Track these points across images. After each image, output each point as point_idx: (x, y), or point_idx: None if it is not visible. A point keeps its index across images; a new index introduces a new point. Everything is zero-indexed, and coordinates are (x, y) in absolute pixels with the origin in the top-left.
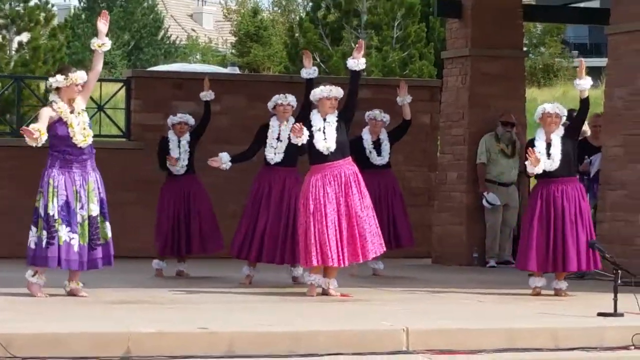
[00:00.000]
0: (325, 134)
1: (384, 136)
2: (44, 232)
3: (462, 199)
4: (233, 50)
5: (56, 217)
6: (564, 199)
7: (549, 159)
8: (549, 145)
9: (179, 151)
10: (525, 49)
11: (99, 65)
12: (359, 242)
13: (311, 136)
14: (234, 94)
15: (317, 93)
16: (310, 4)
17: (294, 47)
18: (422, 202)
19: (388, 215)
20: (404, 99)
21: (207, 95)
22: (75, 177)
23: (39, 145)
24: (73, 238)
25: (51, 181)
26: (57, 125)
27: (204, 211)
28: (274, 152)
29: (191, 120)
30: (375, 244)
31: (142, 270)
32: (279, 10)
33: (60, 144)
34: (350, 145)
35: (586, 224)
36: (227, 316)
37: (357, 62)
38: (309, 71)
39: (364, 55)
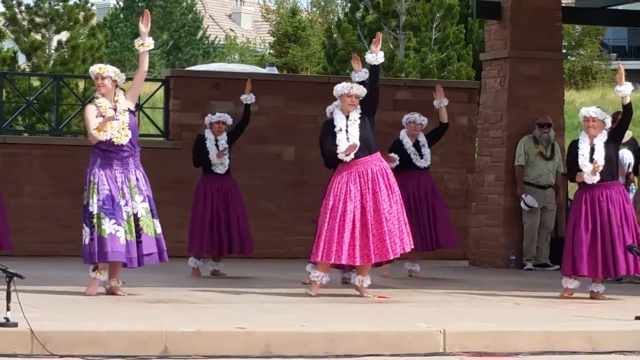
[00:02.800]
0: (349, 133)
1: (422, 139)
2: (87, 230)
3: (500, 201)
4: (271, 51)
5: (95, 212)
6: (609, 203)
7: (591, 162)
8: (592, 150)
9: (217, 150)
10: (564, 51)
11: (144, 66)
12: (387, 239)
13: (335, 135)
14: (272, 94)
15: (338, 89)
16: (349, 4)
17: (332, 47)
18: (460, 204)
19: (429, 216)
20: (441, 102)
21: (247, 98)
22: (117, 174)
23: (105, 137)
24: (118, 231)
25: (92, 178)
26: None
27: (240, 212)
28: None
29: (229, 120)
30: (404, 242)
31: (179, 270)
32: (318, 11)
33: (100, 140)
34: (390, 150)
35: (632, 228)
36: (264, 316)
37: (375, 56)
38: (360, 74)
39: (405, 55)
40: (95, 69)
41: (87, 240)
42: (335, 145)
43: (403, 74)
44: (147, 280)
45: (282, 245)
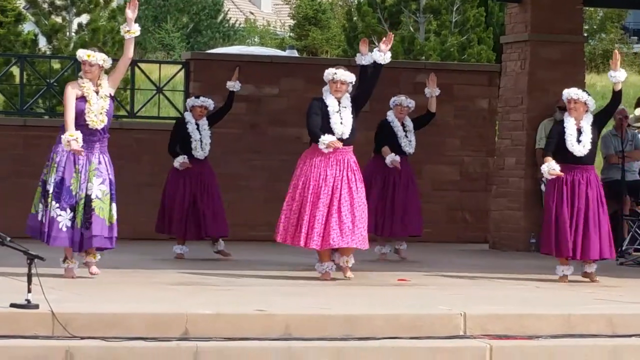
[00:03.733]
0: (342, 118)
1: (409, 123)
2: (40, 206)
3: (520, 184)
4: (291, 34)
5: (50, 192)
6: (588, 187)
7: (579, 144)
8: (579, 131)
9: (199, 134)
10: (585, 34)
11: (129, 52)
12: (357, 228)
13: (326, 115)
14: (293, 77)
15: (325, 74)
16: None
17: (352, 30)
18: (480, 187)
19: (403, 203)
20: (433, 91)
21: (234, 85)
22: (79, 157)
23: (80, 145)
24: (60, 215)
25: (54, 157)
26: (78, 101)
27: (216, 195)
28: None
29: (211, 106)
30: (364, 238)
31: (197, 251)
32: None
33: (74, 118)
34: (379, 129)
35: (606, 212)
36: (283, 299)
37: (382, 56)
38: (366, 58)
39: (425, 39)
40: (83, 55)
41: (39, 217)
42: (322, 126)
43: (423, 57)
44: (165, 263)
45: None
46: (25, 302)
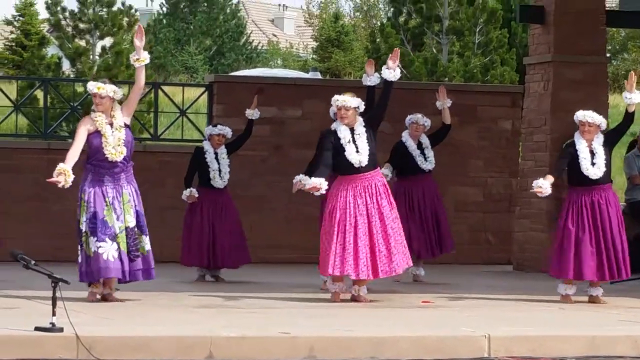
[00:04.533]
0: (358, 147)
1: (425, 140)
2: (79, 247)
3: (543, 206)
4: (314, 56)
5: (84, 230)
6: (608, 206)
7: (593, 166)
8: (592, 153)
9: (218, 163)
10: (607, 54)
11: (141, 81)
12: (393, 255)
13: (340, 147)
14: (316, 99)
15: (332, 102)
16: (392, 9)
17: (375, 52)
18: (503, 208)
19: (433, 221)
20: (444, 103)
21: (253, 113)
22: (108, 190)
23: (68, 185)
24: (101, 247)
25: (82, 196)
26: (93, 136)
27: (235, 225)
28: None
29: (229, 134)
30: (406, 257)
31: (222, 275)
32: (361, 16)
33: (94, 154)
34: (394, 152)
35: (624, 231)
36: (307, 321)
37: (392, 72)
38: (372, 79)
39: (448, 60)
40: (93, 88)
41: (79, 259)
42: (335, 160)
43: (447, 79)
44: (193, 286)
45: None
46: (50, 326)
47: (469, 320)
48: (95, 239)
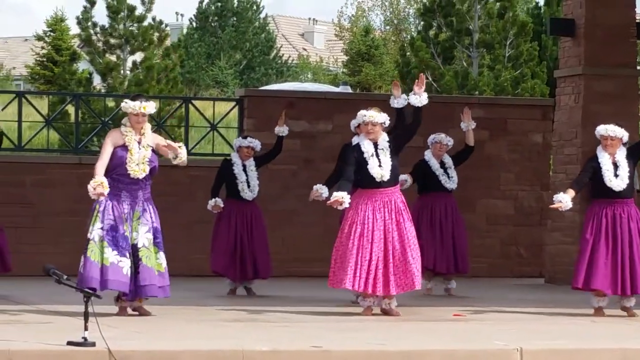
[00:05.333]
0: (380, 161)
1: (448, 160)
2: (82, 256)
3: (575, 218)
4: (344, 69)
5: (92, 239)
6: (630, 221)
7: (616, 178)
8: (615, 166)
9: (246, 175)
10: (638, 67)
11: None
12: (411, 270)
13: (363, 161)
14: (346, 112)
15: (357, 117)
16: (422, 22)
17: (405, 65)
18: (534, 221)
19: (452, 240)
20: (469, 124)
21: (282, 130)
22: (124, 206)
23: (106, 192)
24: (121, 261)
25: (97, 207)
26: (119, 150)
27: (261, 238)
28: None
29: (258, 147)
30: (419, 276)
31: (254, 289)
32: (391, 29)
33: (115, 167)
34: (416, 169)
35: None
36: (340, 335)
37: (418, 98)
38: (400, 101)
39: (478, 73)
40: (139, 108)
41: (81, 268)
42: (356, 174)
43: (477, 92)
44: (226, 300)
45: None
46: (82, 340)
47: (501, 334)
48: (116, 252)
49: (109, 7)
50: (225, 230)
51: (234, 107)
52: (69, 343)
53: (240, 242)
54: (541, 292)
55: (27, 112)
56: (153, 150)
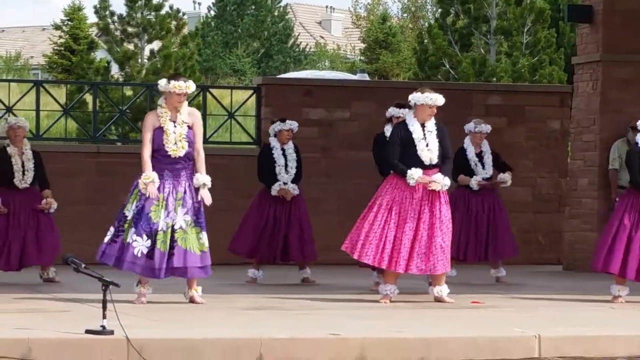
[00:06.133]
0: (429, 144)
1: (485, 148)
2: (113, 230)
3: (594, 206)
4: (362, 57)
5: (129, 218)
6: None
7: None
8: None
9: (285, 159)
10: None
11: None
12: (433, 255)
13: (411, 141)
14: (364, 100)
15: (418, 98)
16: (439, 10)
17: (423, 53)
18: (553, 208)
19: (488, 229)
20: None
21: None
22: (165, 185)
23: (156, 186)
24: (136, 241)
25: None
26: (156, 131)
27: (304, 218)
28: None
29: (296, 128)
30: (447, 261)
31: (269, 276)
32: (408, 17)
33: (155, 150)
34: (455, 157)
35: None
36: (357, 322)
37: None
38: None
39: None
40: (184, 87)
41: (107, 239)
42: (408, 154)
43: (495, 79)
44: (238, 288)
45: None
46: (101, 329)
47: (520, 321)
48: (134, 230)
49: None
50: (256, 214)
51: (251, 95)
52: (87, 331)
53: (272, 225)
54: (560, 279)
55: (45, 101)
56: (189, 127)
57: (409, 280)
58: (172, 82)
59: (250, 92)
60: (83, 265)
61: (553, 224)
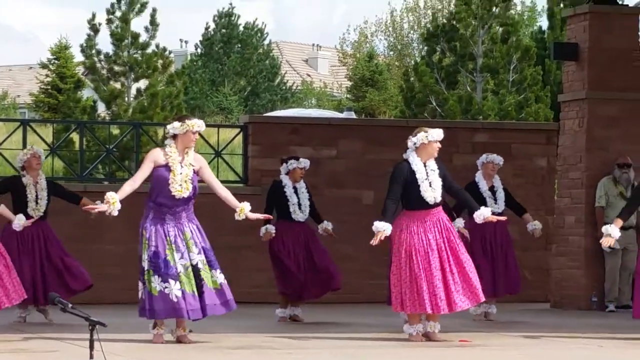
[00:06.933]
0: (432, 184)
1: (497, 183)
2: (141, 285)
3: (581, 243)
4: (348, 95)
5: (147, 268)
6: None
7: None
8: None
9: (297, 197)
10: None
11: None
12: (473, 284)
13: (414, 182)
14: (351, 138)
15: (424, 137)
16: (426, 48)
17: (409, 91)
18: (540, 245)
19: (503, 262)
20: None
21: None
22: (169, 229)
23: (114, 212)
24: (167, 287)
25: (144, 233)
26: (160, 169)
27: (322, 252)
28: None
29: (308, 166)
30: (479, 290)
31: (258, 315)
32: (394, 55)
33: (155, 189)
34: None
35: None
36: None
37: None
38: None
39: (482, 98)
40: (201, 124)
41: (139, 295)
42: (407, 195)
43: (481, 117)
44: (229, 327)
45: (363, 289)
46: None
47: (507, 359)
48: (160, 278)
49: (112, 35)
50: (282, 251)
51: (238, 133)
52: None
53: (298, 262)
54: (547, 316)
55: (32, 140)
56: (194, 171)
57: (386, 318)
58: (187, 121)
59: (237, 130)
60: (70, 305)
61: (540, 261)
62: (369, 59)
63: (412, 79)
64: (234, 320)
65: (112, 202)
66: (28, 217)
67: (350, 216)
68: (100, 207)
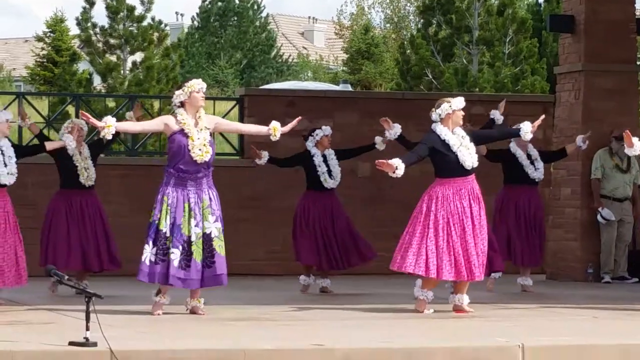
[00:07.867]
0: (469, 149)
1: (534, 152)
2: (154, 249)
3: (576, 215)
4: (344, 68)
5: (168, 234)
6: None
7: None
8: None
9: (327, 166)
10: (638, 63)
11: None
12: (471, 261)
13: (447, 150)
14: (346, 111)
15: (449, 107)
16: (422, 20)
17: (405, 63)
18: None
19: (536, 233)
20: (583, 144)
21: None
22: (190, 195)
23: (107, 136)
24: (173, 253)
25: (165, 198)
26: (177, 136)
27: (347, 224)
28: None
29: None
30: (481, 266)
31: (257, 287)
32: (391, 27)
33: (176, 156)
34: (497, 154)
35: None
36: (342, 333)
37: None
38: (395, 131)
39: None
40: (201, 84)
41: (148, 259)
42: (443, 162)
43: (477, 89)
44: (225, 299)
45: None
46: (84, 340)
47: (504, 330)
48: (175, 247)
49: (108, 8)
50: (309, 221)
51: (234, 106)
52: (71, 343)
53: (323, 233)
54: (543, 288)
55: (28, 113)
56: (211, 134)
57: (387, 290)
58: (187, 84)
59: (233, 103)
60: (66, 277)
61: None
62: (365, 31)
63: (408, 51)
64: (231, 292)
65: (108, 125)
66: (81, 187)
67: (346, 188)
68: (95, 121)
